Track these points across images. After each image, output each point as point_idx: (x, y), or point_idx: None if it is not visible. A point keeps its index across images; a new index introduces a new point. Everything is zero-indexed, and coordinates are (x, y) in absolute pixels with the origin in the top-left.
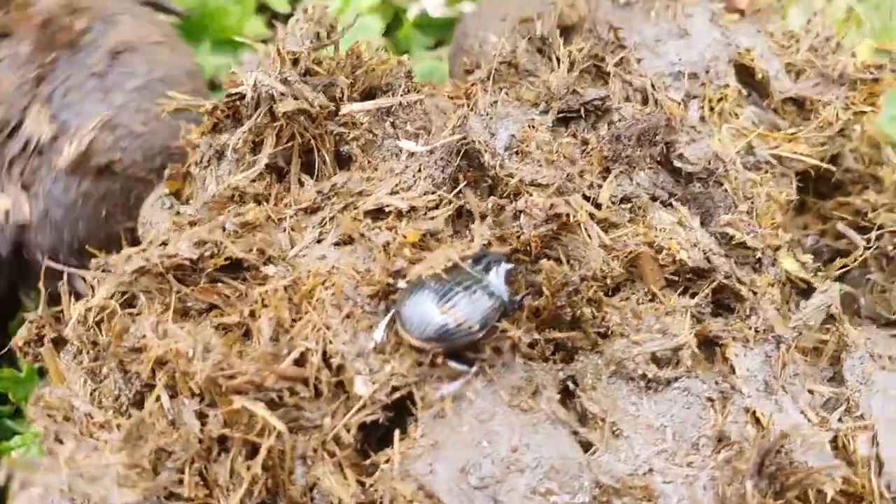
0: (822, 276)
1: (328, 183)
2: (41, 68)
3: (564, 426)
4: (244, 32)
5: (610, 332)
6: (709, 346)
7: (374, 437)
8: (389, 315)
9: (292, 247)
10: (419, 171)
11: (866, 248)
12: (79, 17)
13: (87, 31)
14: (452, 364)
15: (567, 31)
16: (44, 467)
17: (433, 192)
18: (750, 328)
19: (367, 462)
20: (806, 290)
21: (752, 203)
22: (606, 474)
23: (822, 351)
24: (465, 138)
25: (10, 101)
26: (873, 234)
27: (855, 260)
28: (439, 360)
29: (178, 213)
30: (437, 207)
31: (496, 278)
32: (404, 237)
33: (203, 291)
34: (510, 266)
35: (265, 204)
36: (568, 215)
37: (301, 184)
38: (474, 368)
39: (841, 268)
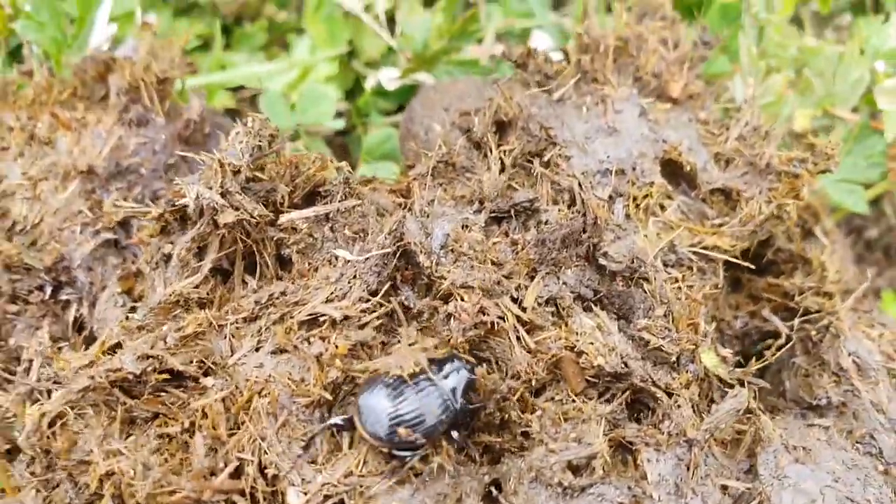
0: (741, 371)
1: (266, 292)
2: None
3: None
4: None
5: (531, 438)
6: (625, 450)
7: None
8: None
9: (233, 353)
10: (354, 277)
11: (788, 335)
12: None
13: None
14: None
15: (503, 126)
16: None
17: (367, 300)
18: (662, 433)
19: None
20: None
21: (669, 305)
22: None
23: (740, 441)
24: (401, 240)
25: None
26: (796, 321)
27: (774, 353)
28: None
29: (126, 317)
30: (371, 312)
31: (451, 385)
32: (336, 348)
33: (148, 402)
34: (472, 377)
35: (207, 310)
36: (492, 322)
37: (245, 285)
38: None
39: (760, 361)
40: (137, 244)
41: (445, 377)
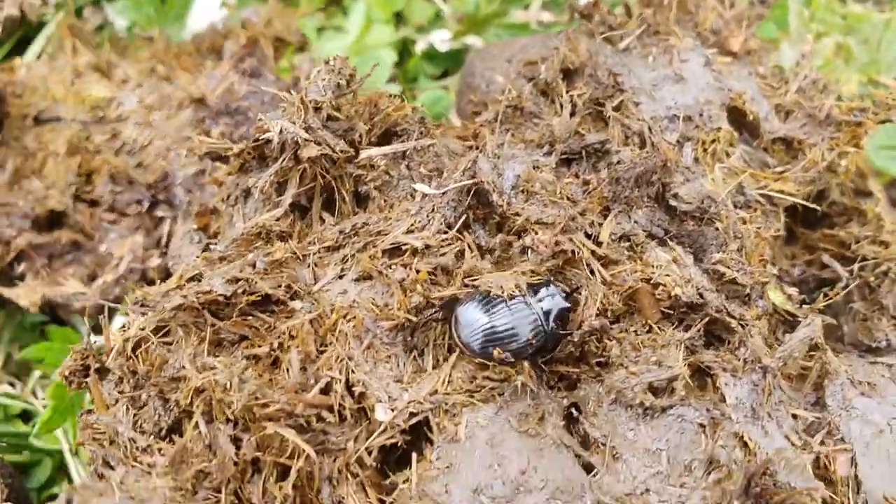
0: (807, 308)
1: (349, 223)
2: None
3: (568, 450)
4: None
5: (610, 363)
6: (702, 375)
7: (393, 459)
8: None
9: (316, 282)
10: (433, 211)
11: (849, 280)
12: None
13: None
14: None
15: (569, 75)
16: (99, 491)
17: (445, 231)
18: (739, 359)
19: (387, 482)
20: (792, 321)
21: (742, 241)
22: (607, 494)
23: (806, 377)
24: (474, 178)
25: None
26: (856, 266)
27: (838, 292)
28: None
29: (207, 248)
30: (448, 245)
31: (546, 308)
32: (417, 273)
33: (236, 325)
34: (566, 305)
35: (290, 241)
36: (572, 251)
37: (322, 221)
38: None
39: (826, 299)
40: (213, 183)
41: (540, 301)
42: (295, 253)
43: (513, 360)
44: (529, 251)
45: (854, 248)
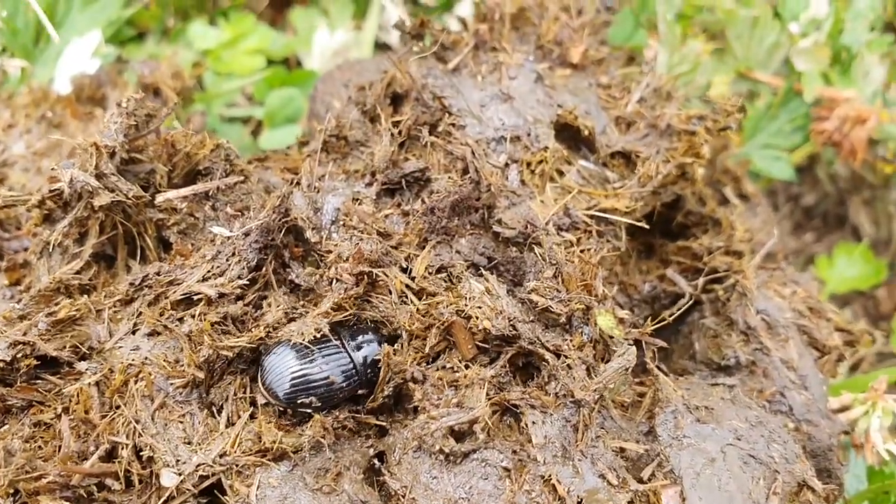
0: (638, 332)
1: (140, 274)
2: None
3: None
4: None
5: (415, 409)
6: (512, 415)
7: None
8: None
9: (110, 338)
10: (233, 255)
11: (692, 294)
12: None
13: None
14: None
15: (399, 99)
16: None
17: (246, 276)
18: (549, 394)
19: None
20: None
21: (559, 267)
22: None
23: (640, 405)
24: (287, 215)
25: None
26: (701, 280)
27: (680, 308)
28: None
29: (10, 307)
30: (251, 287)
31: (363, 355)
32: (203, 323)
33: (21, 390)
34: (379, 350)
35: (87, 296)
36: (374, 274)
37: (129, 269)
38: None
39: (657, 322)
40: (26, 235)
41: (358, 347)
42: (90, 308)
43: (319, 405)
44: (334, 282)
45: (706, 259)
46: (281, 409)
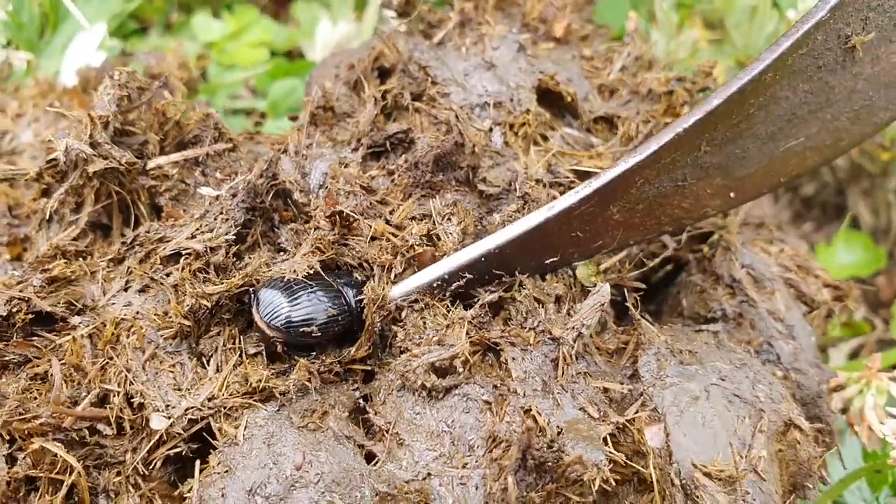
0: (618, 277)
1: (131, 234)
2: None
3: (349, 441)
4: None
5: (397, 349)
6: (493, 352)
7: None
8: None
9: (105, 296)
10: (220, 213)
11: (675, 249)
12: None
13: None
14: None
15: (386, 73)
16: None
17: (233, 232)
18: (528, 331)
19: (177, 493)
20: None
21: (525, 199)
22: (384, 483)
23: (624, 351)
24: (275, 178)
25: None
26: (683, 237)
27: (665, 263)
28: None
29: (9, 275)
30: (235, 244)
31: (350, 292)
32: (187, 273)
33: (17, 345)
34: (362, 279)
35: (81, 259)
36: (348, 217)
37: (123, 237)
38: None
39: (635, 269)
40: (28, 212)
41: (347, 285)
42: (85, 270)
43: (319, 335)
44: (315, 230)
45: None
46: (279, 341)
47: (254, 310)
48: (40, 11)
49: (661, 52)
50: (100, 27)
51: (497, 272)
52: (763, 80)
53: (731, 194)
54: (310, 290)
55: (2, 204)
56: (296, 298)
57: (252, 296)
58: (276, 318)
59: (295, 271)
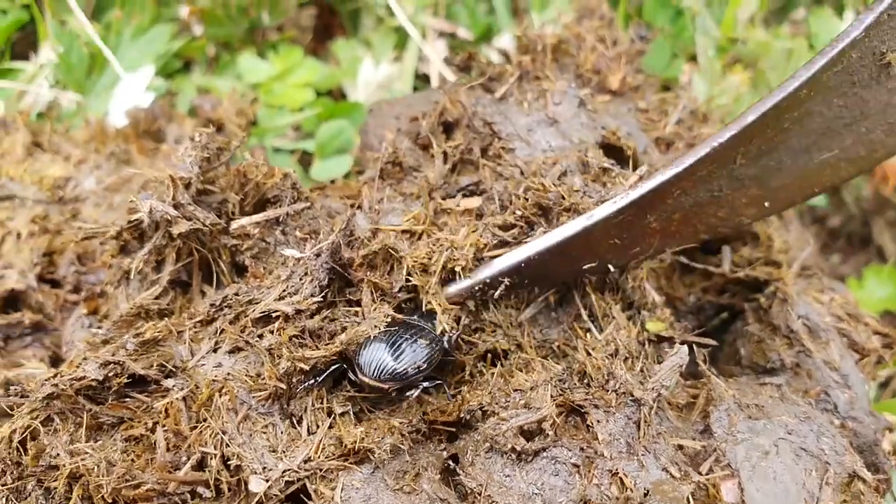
0: (687, 334)
1: (220, 295)
2: None
3: (444, 503)
4: None
5: (484, 412)
6: (576, 415)
7: None
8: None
9: (193, 357)
10: (305, 274)
11: (746, 301)
12: None
13: None
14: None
15: (449, 127)
16: None
17: (318, 294)
18: (609, 393)
19: None
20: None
21: None
22: None
23: (695, 406)
24: (352, 235)
25: None
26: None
27: (724, 316)
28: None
29: (93, 333)
30: (323, 305)
31: (430, 324)
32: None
33: (112, 407)
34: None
35: (167, 319)
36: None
37: (204, 294)
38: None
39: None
40: (102, 267)
41: (422, 318)
42: (171, 330)
43: (426, 368)
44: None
45: (746, 270)
46: (396, 388)
47: (360, 375)
48: (88, 52)
49: (702, 96)
50: (148, 68)
51: (537, 279)
52: (798, 97)
53: (766, 203)
54: (400, 336)
55: (71, 252)
56: (394, 348)
57: (354, 362)
58: (383, 371)
59: (375, 326)
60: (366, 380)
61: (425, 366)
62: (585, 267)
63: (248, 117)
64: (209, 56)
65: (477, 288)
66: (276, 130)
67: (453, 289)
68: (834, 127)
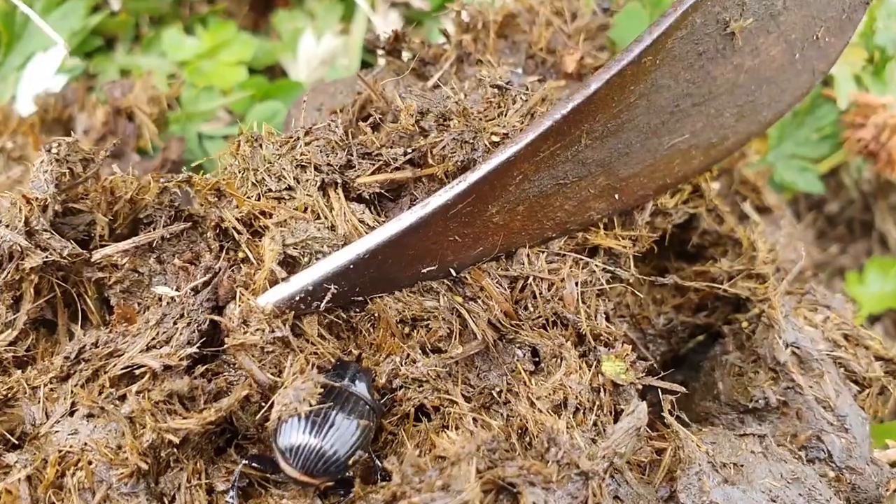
0: (653, 379)
1: (76, 345)
2: None
3: None
4: None
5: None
6: (507, 493)
7: None
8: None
9: (47, 420)
10: (181, 316)
11: (726, 323)
12: None
13: None
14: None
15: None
16: None
17: (197, 341)
18: (549, 465)
19: None
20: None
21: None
22: None
23: (660, 465)
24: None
25: None
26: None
27: (698, 345)
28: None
29: None
30: (195, 364)
31: (363, 388)
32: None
33: None
34: (369, 371)
35: (22, 371)
36: None
37: (71, 337)
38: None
39: (678, 364)
40: None
41: (353, 382)
42: (24, 386)
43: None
44: None
45: (726, 286)
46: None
47: (283, 464)
48: None
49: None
50: (59, 47)
51: (370, 285)
52: (643, 65)
53: (616, 195)
54: (330, 413)
55: None
56: (322, 431)
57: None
58: (318, 463)
59: (303, 400)
60: (291, 472)
61: (362, 446)
62: (425, 270)
63: (160, 105)
64: (138, 32)
65: (299, 297)
66: (203, 115)
67: (267, 299)
68: (682, 106)
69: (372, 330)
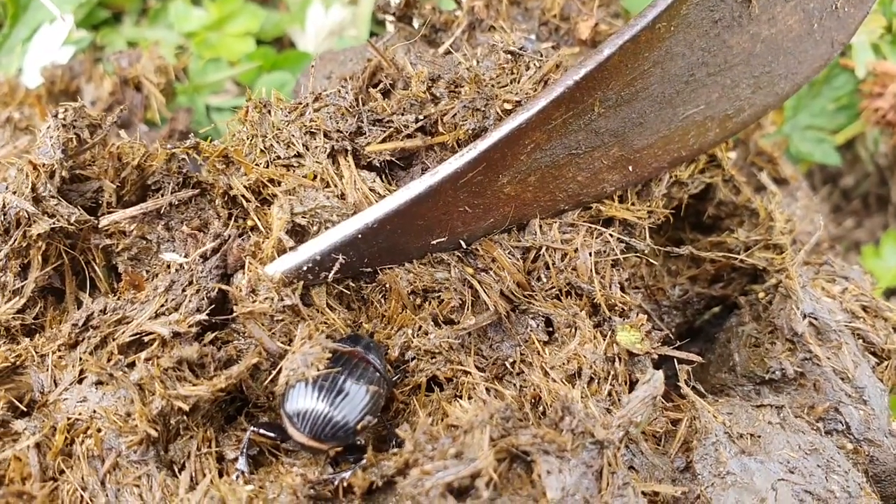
0: (668, 349)
1: (84, 312)
2: None
3: None
4: None
5: (405, 461)
6: (521, 461)
7: None
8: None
9: (56, 387)
10: (189, 283)
11: (742, 294)
12: None
13: None
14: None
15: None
16: None
17: (206, 308)
18: (564, 434)
19: None
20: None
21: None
22: None
23: (675, 435)
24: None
25: None
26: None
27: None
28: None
29: None
30: (204, 331)
31: (374, 357)
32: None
33: None
34: (382, 345)
35: (31, 339)
36: None
37: (79, 305)
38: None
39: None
40: None
41: (367, 350)
42: (32, 353)
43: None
44: None
45: (742, 255)
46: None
47: (291, 430)
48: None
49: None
50: (66, 19)
51: (379, 255)
52: (657, 31)
53: (630, 167)
54: (339, 378)
55: None
56: (330, 396)
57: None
58: (326, 428)
59: (310, 366)
60: (299, 437)
61: (373, 412)
62: (434, 242)
63: (168, 75)
64: (145, 5)
65: (306, 267)
66: (211, 87)
67: (275, 268)
68: (698, 76)
69: (383, 301)
